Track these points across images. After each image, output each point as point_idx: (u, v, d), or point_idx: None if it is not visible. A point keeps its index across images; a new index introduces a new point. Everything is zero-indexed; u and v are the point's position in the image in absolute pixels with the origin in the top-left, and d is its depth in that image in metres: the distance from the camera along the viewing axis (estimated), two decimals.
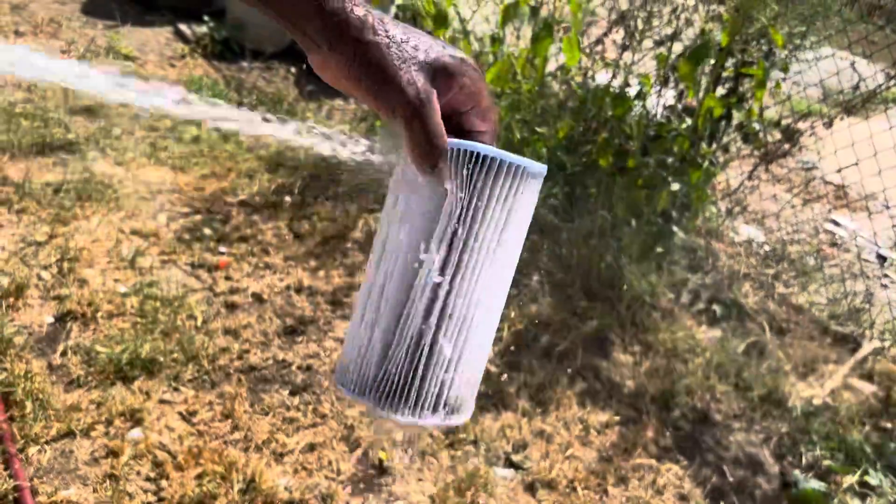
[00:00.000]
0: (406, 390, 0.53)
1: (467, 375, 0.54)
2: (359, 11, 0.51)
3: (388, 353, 0.53)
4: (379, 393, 0.53)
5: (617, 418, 1.88)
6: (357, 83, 0.52)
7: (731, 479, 1.80)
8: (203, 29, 3.75)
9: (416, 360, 0.52)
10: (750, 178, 2.68)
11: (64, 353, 1.71)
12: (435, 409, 0.53)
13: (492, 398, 1.85)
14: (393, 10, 2.65)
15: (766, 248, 2.79)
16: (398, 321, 0.53)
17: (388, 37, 0.51)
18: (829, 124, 2.35)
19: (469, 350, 0.54)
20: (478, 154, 0.52)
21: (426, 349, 0.53)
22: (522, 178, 0.54)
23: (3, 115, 2.62)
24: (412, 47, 0.52)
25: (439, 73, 0.53)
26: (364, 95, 0.52)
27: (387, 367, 0.53)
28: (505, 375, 1.93)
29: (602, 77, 2.64)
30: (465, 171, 0.52)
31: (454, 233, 0.52)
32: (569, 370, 1.99)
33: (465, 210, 0.52)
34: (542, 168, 0.55)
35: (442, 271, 0.53)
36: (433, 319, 0.53)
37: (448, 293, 0.53)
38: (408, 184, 0.54)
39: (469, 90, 0.55)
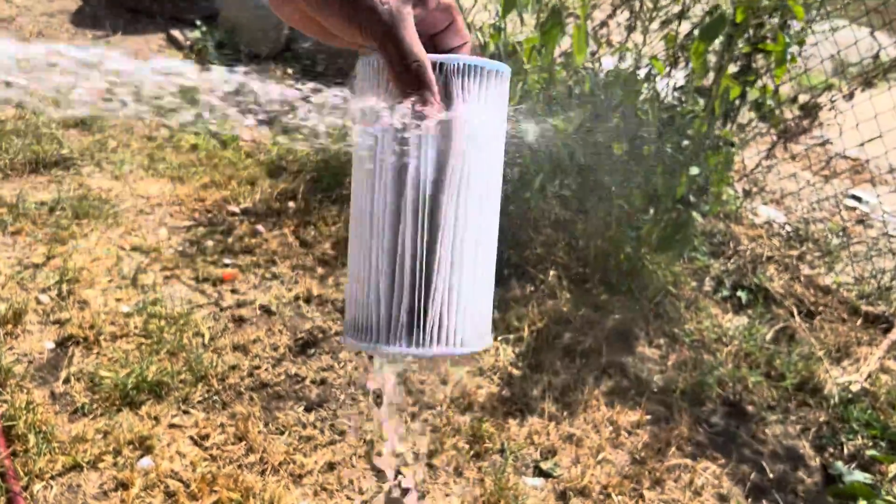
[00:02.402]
0: (408, 327, 0.53)
1: (466, 307, 0.54)
2: None
3: (387, 296, 0.54)
4: (385, 333, 0.54)
5: (647, 417, 1.79)
6: (321, 8, 0.48)
7: (770, 475, 1.72)
8: (196, 34, 3.66)
9: (414, 298, 0.53)
10: (767, 157, 2.58)
11: (67, 381, 1.63)
12: (438, 341, 0.54)
13: (516, 403, 1.77)
14: None
15: (788, 228, 2.70)
16: (392, 264, 0.53)
17: None
18: (849, 97, 2.25)
19: (464, 281, 0.54)
20: (464, 65, 0.51)
21: (421, 287, 0.53)
22: (499, 79, 0.53)
23: None
24: None
25: None
26: (333, 22, 0.49)
27: (387, 310, 0.54)
28: (528, 378, 1.85)
29: (609, 62, 2.55)
30: (448, 84, 0.51)
31: (436, 154, 0.51)
32: (594, 369, 1.91)
33: (471, 138, 0.51)
34: (507, 69, 0.54)
35: (426, 202, 0.52)
36: (423, 256, 0.53)
37: (435, 227, 0.52)
38: (378, 117, 0.52)
39: (442, 6, 0.52)
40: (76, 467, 1.43)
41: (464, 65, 0.51)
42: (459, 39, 0.55)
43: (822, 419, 1.89)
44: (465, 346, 0.55)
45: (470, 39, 0.55)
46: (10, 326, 1.74)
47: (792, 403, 1.93)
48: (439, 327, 0.54)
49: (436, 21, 0.53)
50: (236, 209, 2.37)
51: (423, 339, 0.53)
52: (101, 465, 1.44)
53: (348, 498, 1.47)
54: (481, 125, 0.52)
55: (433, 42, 0.54)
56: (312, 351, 1.84)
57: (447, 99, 0.51)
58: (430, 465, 1.57)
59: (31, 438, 1.45)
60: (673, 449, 1.72)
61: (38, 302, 1.84)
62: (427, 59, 0.49)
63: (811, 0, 1.98)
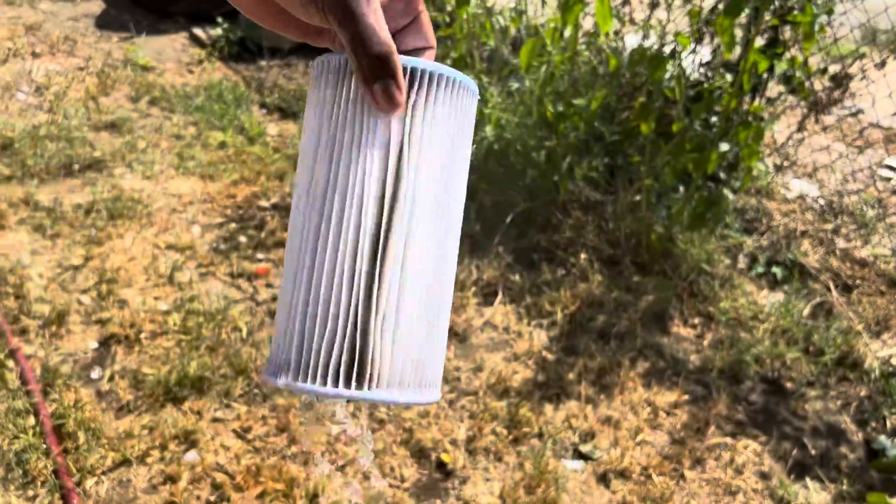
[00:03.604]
0: (345, 368, 0.44)
1: (406, 350, 0.45)
2: None
3: (321, 332, 0.44)
4: (305, 370, 0.44)
5: (685, 397, 1.79)
6: None
7: (812, 452, 1.70)
8: (218, 31, 3.69)
9: (351, 337, 0.44)
10: (798, 130, 2.54)
11: (111, 379, 1.67)
12: (371, 384, 0.44)
13: (552, 387, 1.77)
14: None
15: (821, 201, 2.66)
16: (327, 297, 0.44)
17: None
18: (881, 65, 2.20)
19: (405, 321, 0.45)
20: (422, 70, 0.44)
21: (358, 324, 0.44)
22: (464, 93, 0.46)
23: (28, 138, 2.59)
24: None
25: None
26: (294, 6, 0.43)
27: (322, 347, 0.44)
28: (563, 362, 1.85)
29: (632, 39, 2.52)
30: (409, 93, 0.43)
31: (392, 172, 0.44)
32: (629, 350, 1.90)
33: (405, 136, 0.44)
34: (475, 85, 0.47)
35: (377, 221, 0.44)
36: (362, 291, 0.44)
37: (381, 253, 0.44)
38: (332, 111, 0.45)
39: (405, 1, 0.46)
40: (125, 462, 1.47)
41: (431, 72, 0.44)
42: (422, 41, 0.48)
43: (862, 394, 1.87)
44: (404, 395, 0.45)
45: (434, 43, 0.49)
46: (54, 328, 1.78)
47: (832, 378, 1.91)
48: (377, 368, 0.44)
49: (398, 15, 0.47)
50: (266, 204, 2.39)
51: (356, 379, 0.44)
52: (148, 460, 1.48)
53: (391, 485, 1.49)
54: (441, 140, 0.45)
55: (394, 40, 0.47)
56: None
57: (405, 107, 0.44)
58: (469, 451, 1.59)
59: (81, 436, 1.49)
60: (712, 428, 1.72)
61: (80, 303, 1.88)
62: (394, 45, 0.42)
63: None
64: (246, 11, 0.47)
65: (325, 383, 0.44)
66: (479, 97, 0.48)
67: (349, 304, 0.44)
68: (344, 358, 0.44)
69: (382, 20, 0.42)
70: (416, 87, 0.44)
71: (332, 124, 0.45)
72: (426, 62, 0.44)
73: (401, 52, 0.46)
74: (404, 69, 0.43)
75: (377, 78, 0.42)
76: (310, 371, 0.44)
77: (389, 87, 0.42)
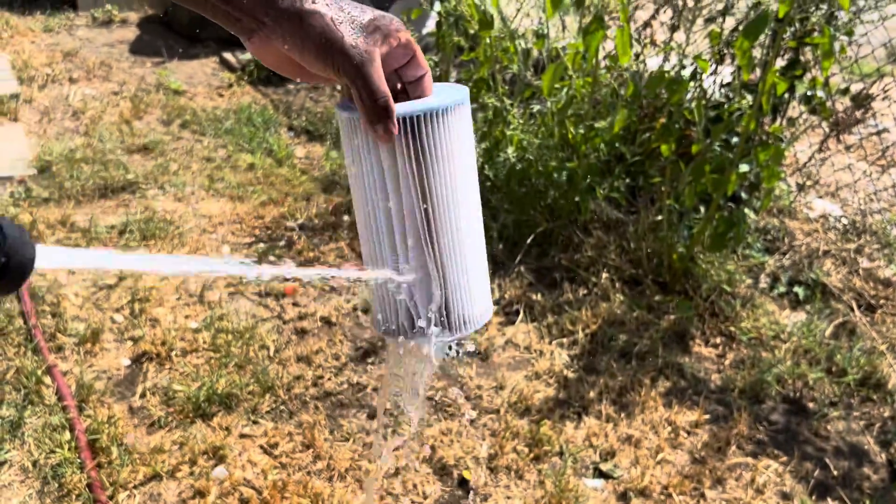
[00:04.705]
0: (416, 319, 0.66)
1: (463, 296, 0.66)
2: None
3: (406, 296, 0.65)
4: (403, 326, 0.66)
5: (706, 416, 1.80)
6: (302, 52, 0.56)
7: (834, 472, 1.70)
8: (247, 55, 3.78)
9: (439, 296, 0.65)
10: (820, 149, 2.55)
11: (143, 395, 1.72)
12: (447, 328, 0.66)
13: (573, 405, 1.80)
14: (434, 16, 2.62)
15: (844, 221, 2.65)
16: (396, 269, 0.64)
17: (325, 5, 0.56)
18: None
19: (459, 277, 0.65)
20: (424, 113, 0.59)
21: (424, 285, 0.65)
22: (460, 108, 0.62)
23: (66, 162, 2.68)
24: (347, 13, 0.56)
25: (375, 33, 0.57)
26: (311, 62, 0.57)
27: (401, 306, 0.66)
28: (584, 380, 1.87)
29: (653, 61, 2.56)
30: (413, 131, 0.59)
31: (418, 182, 0.61)
32: (650, 369, 1.92)
33: (419, 158, 0.60)
34: (464, 91, 0.63)
35: (416, 216, 0.62)
36: (435, 263, 0.64)
37: (426, 233, 0.62)
38: (363, 143, 0.61)
39: (403, 45, 0.59)
40: (156, 477, 1.52)
41: (425, 113, 0.60)
42: (420, 70, 0.62)
43: (886, 414, 1.86)
44: (467, 328, 0.67)
45: (428, 70, 0.63)
46: (89, 345, 1.84)
47: (854, 399, 1.91)
48: (452, 316, 0.66)
49: (398, 56, 0.60)
50: (294, 224, 2.45)
51: (448, 326, 0.66)
52: (178, 475, 1.53)
53: (413, 502, 1.52)
54: (450, 149, 0.61)
55: (397, 74, 0.62)
56: (372, 359, 1.90)
57: (416, 142, 0.60)
58: (491, 469, 1.61)
59: (114, 450, 1.54)
60: (733, 448, 1.73)
61: (113, 321, 1.95)
62: (389, 93, 0.57)
63: None
64: (271, 66, 0.61)
65: (416, 332, 0.66)
66: (468, 94, 0.64)
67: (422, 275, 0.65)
68: (432, 311, 0.66)
69: (382, 77, 0.57)
70: (427, 122, 0.60)
71: (368, 156, 0.62)
72: (430, 103, 0.61)
73: (406, 82, 0.62)
74: (421, 114, 0.60)
75: (379, 121, 0.57)
76: (404, 325, 0.67)
77: (387, 126, 0.58)
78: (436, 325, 0.65)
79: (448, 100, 0.61)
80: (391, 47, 0.58)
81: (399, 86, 0.63)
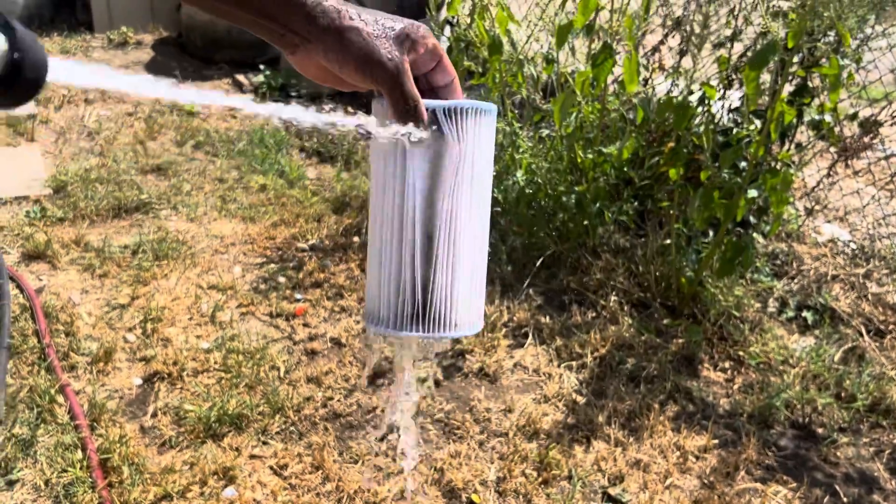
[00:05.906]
0: (417, 315, 0.67)
1: (464, 298, 0.68)
2: (332, 1, 0.60)
3: (398, 291, 0.67)
4: (397, 321, 0.67)
5: (715, 441, 1.80)
6: (341, 66, 0.61)
7: (844, 499, 1.70)
8: (260, 77, 3.84)
9: (421, 293, 0.66)
10: (828, 174, 2.56)
11: (154, 415, 1.74)
12: (443, 327, 0.67)
13: (581, 429, 1.80)
14: (444, 41, 2.66)
15: (853, 245, 2.66)
16: (401, 268, 0.66)
17: (361, 20, 0.60)
18: None
19: (461, 278, 0.67)
20: (453, 108, 0.63)
21: (427, 284, 0.66)
22: (486, 117, 0.65)
23: (81, 182, 2.72)
24: (381, 25, 0.61)
25: (406, 42, 0.61)
26: (350, 73, 0.61)
27: (400, 301, 0.67)
28: (592, 404, 1.88)
29: (662, 87, 2.58)
30: (446, 125, 0.63)
31: (447, 183, 0.64)
32: (659, 393, 1.92)
33: (459, 159, 0.64)
34: (494, 107, 0.67)
35: (431, 218, 0.65)
36: (428, 260, 0.66)
37: (439, 235, 0.65)
38: (397, 149, 0.64)
39: (430, 50, 0.64)
40: (166, 497, 1.52)
41: (454, 108, 0.64)
42: (448, 76, 0.67)
43: None
44: (458, 330, 0.68)
45: (455, 75, 0.68)
46: (101, 364, 1.86)
47: (864, 425, 1.91)
48: (439, 315, 0.67)
49: (426, 62, 0.65)
50: (305, 245, 2.47)
51: (427, 325, 0.67)
52: (189, 495, 1.53)
53: None
54: (469, 153, 0.65)
55: (426, 78, 0.66)
56: (381, 381, 1.91)
57: (439, 132, 0.63)
58: (499, 492, 1.62)
59: (126, 470, 1.55)
60: (742, 473, 1.72)
61: (126, 340, 1.96)
62: (420, 98, 0.62)
63: (865, 14, 1.97)
64: (312, 77, 0.66)
65: (402, 328, 0.67)
66: (496, 110, 0.67)
67: (414, 275, 0.66)
68: (416, 310, 0.66)
69: (412, 83, 0.62)
70: (459, 119, 0.64)
71: (395, 160, 0.65)
72: (453, 102, 0.64)
73: (434, 86, 0.67)
74: (455, 109, 0.64)
75: (409, 120, 0.62)
76: (391, 320, 0.67)
77: (419, 126, 0.63)
78: (419, 322, 0.66)
79: (482, 104, 0.66)
80: (418, 54, 0.63)
81: (427, 87, 0.68)
